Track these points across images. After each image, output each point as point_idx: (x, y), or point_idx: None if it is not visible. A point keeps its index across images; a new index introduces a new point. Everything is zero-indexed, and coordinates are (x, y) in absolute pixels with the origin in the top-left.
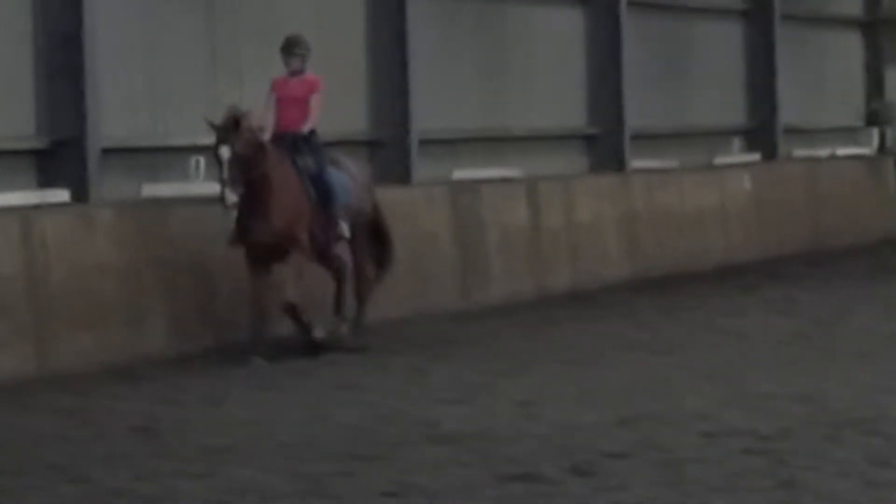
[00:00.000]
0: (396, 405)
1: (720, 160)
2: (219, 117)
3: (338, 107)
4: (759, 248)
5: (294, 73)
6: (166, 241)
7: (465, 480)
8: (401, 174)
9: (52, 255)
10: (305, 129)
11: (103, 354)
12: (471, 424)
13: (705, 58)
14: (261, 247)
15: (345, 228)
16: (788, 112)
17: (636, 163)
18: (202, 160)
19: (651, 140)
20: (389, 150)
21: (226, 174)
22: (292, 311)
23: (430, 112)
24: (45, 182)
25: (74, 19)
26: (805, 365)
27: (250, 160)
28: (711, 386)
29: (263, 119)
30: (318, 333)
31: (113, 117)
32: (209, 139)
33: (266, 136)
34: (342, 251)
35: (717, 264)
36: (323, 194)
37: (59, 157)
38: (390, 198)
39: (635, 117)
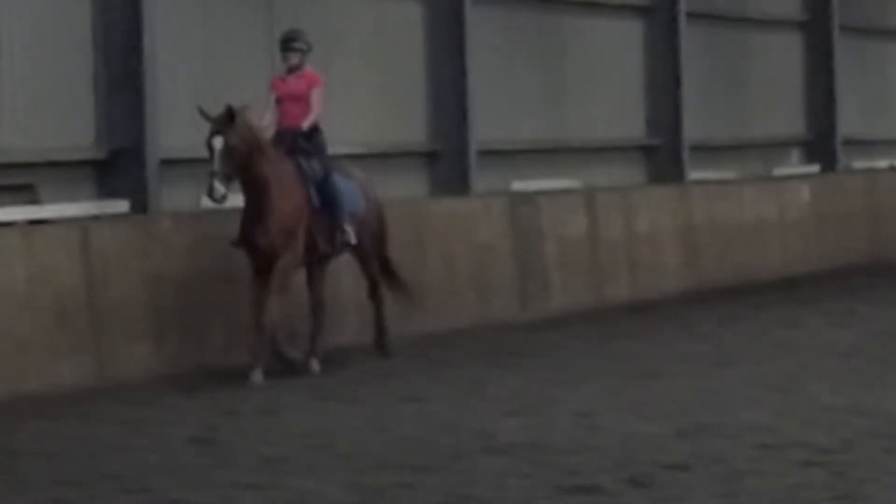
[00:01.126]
0: (455, 416)
1: (779, 171)
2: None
3: (396, 117)
4: (818, 259)
5: (292, 70)
6: (224, 252)
7: (524, 492)
8: (459, 185)
9: (111, 265)
10: (305, 125)
11: (162, 365)
12: (529, 435)
13: (764, 69)
14: (259, 251)
15: (351, 235)
16: (847, 123)
17: (695, 174)
18: None
19: (710, 151)
20: (448, 161)
21: (216, 165)
22: (265, 333)
23: (488, 123)
24: (105, 193)
25: (134, 30)
26: (864, 377)
27: (245, 156)
28: (770, 397)
29: (264, 119)
30: (289, 352)
31: (172, 128)
32: None
33: (268, 136)
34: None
35: (776, 276)
36: (328, 199)
37: (119, 167)
38: (449, 209)
39: (694, 128)
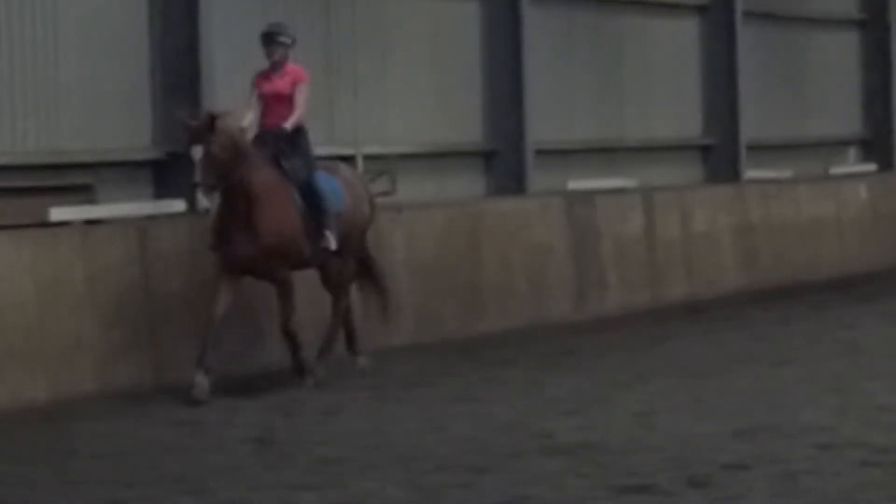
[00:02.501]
0: (512, 416)
1: (836, 170)
2: (325, 132)
3: (453, 117)
4: (875, 258)
5: (276, 66)
6: None
7: (581, 492)
8: (516, 184)
9: (168, 265)
10: (288, 125)
11: (219, 365)
12: (587, 436)
13: (821, 67)
14: (242, 260)
15: (332, 240)
16: None
17: (751, 173)
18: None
19: (766, 150)
20: (504, 161)
21: (198, 176)
22: (292, 337)
23: (545, 122)
24: (162, 193)
25: (191, 32)
26: None
27: (227, 163)
28: (828, 397)
29: (246, 119)
30: (307, 356)
31: None
32: (325, 149)
33: (249, 137)
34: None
35: (833, 275)
36: (311, 201)
37: (176, 168)
38: (505, 208)
39: (751, 127)
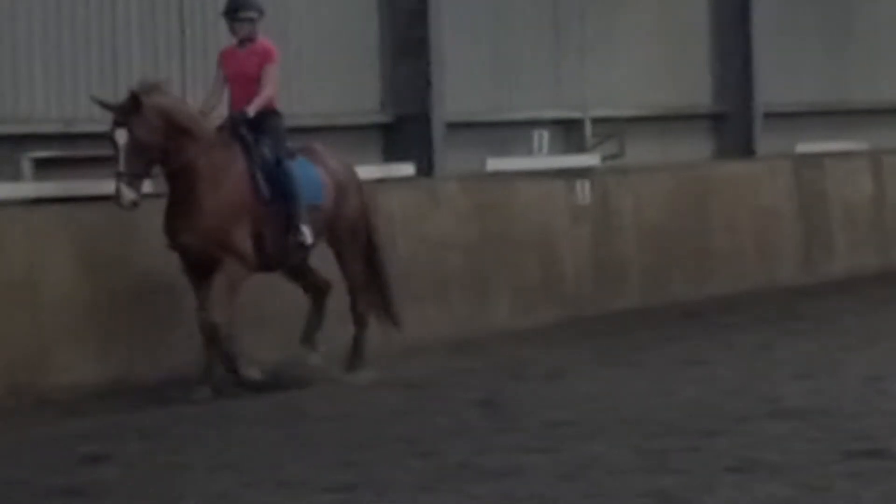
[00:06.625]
0: (740, 380)
1: None
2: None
3: (681, 80)
4: None
5: (243, 43)
6: (510, 216)
7: (811, 456)
8: (744, 148)
9: (397, 228)
10: (251, 110)
11: (448, 328)
12: (816, 400)
13: None
14: (189, 251)
15: (306, 234)
16: None
17: None
18: (545, 134)
19: None
20: (733, 124)
21: (122, 166)
22: (211, 332)
23: (773, 84)
24: (391, 156)
25: None
26: None
27: (160, 147)
28: None
29: (209, 100)
30: (247, 371)
31: (457, 92)
32: (552, 113)
33: (211, 121)
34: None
35: None
36: (280, 190)
37: (405, 131)
38: (733, 171)
39: None
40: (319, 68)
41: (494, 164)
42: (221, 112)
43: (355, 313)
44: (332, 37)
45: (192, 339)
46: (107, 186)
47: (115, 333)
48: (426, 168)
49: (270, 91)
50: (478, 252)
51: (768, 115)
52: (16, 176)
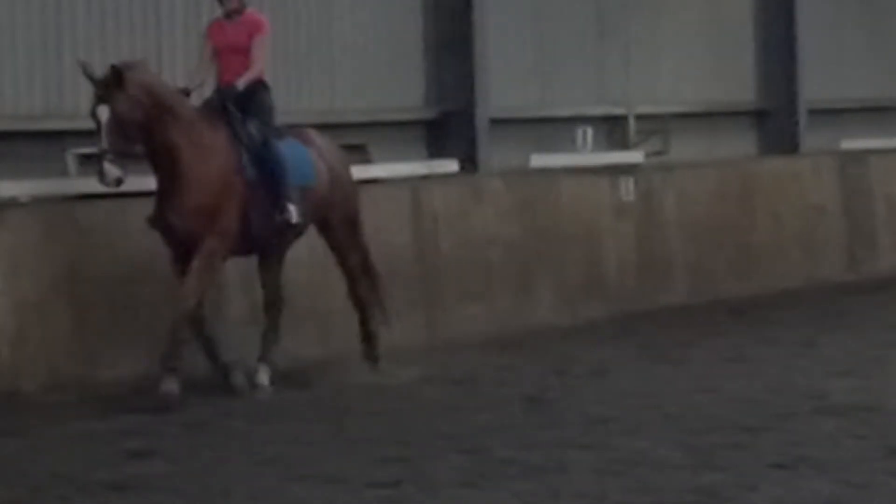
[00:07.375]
0: (785, 376)
1: None
2: (596, 91)
3: (725, 76)
4: None
5: (230, 15)
6: (553, 212)
7: (856, 453)
8: (788, 144)
9: (440, 225)
10: (241, 83)
11: (491, 324)
12: (862, 396)
13: None
14: (174, 233)
15: (292, 212)
16: None
17: None
18: (589, 130)
19: None
20: (777, 120)
21: (104, 142)
22: (194, 322)
23: (818, 81)
24: (435, 153)
25: None
26: None
27: (142, 124)
28: None
29: (195, 76)
30: (168, 378)
31: (501, 88)
32: (596, 109)
33: (197, 96)
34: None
35: None
36: (267, 169)
37: (448, 127)
38: (777, 167)
39: None
40: (364, 65)
41: (538, 160)
42: (209, 85)
43: (355, 297)
44: (377, 34)
45: (236, 334)
46: (153, 182)
47: (158, 328)
48: (470, 164)
49: (261, 64)
50: (521, 248)
51: (813, 112)
52: (61, 172)
